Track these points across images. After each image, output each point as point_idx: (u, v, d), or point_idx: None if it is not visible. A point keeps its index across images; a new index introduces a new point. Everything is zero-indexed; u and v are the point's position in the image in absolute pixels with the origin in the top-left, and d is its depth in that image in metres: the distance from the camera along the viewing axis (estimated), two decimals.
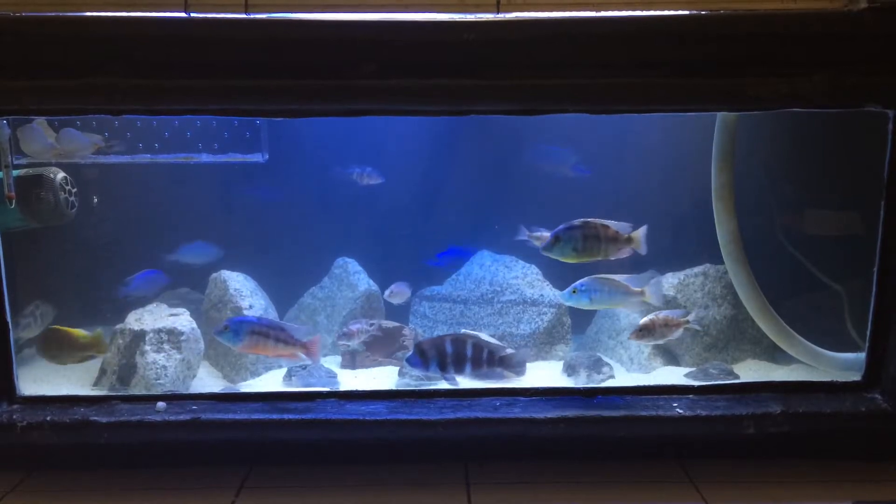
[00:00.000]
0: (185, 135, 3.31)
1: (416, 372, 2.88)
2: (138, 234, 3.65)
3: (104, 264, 3.64)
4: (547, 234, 2.79)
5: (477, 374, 2.65)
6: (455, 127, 3.58)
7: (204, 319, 3.33)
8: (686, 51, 2.35)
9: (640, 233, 2.65)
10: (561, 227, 2.66)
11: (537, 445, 2.58)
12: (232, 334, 2.64)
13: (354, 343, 3.27)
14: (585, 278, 2.77)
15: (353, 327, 3.25)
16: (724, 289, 3.27)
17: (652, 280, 2.78)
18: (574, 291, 2.76)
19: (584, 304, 2.80)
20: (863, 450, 2.62)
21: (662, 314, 2.87)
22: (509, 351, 2.68)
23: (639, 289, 2.76)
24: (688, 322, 2.88)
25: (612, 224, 2.64)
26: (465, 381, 2.69)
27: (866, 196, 2.62)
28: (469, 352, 2.62)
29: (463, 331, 3.37)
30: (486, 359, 2.62)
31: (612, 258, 2.68)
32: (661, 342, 3.00)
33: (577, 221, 2.64)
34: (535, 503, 2.40)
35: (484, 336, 3.24)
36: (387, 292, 3.53)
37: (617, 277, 2.77)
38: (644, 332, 2.85)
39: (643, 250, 2.68)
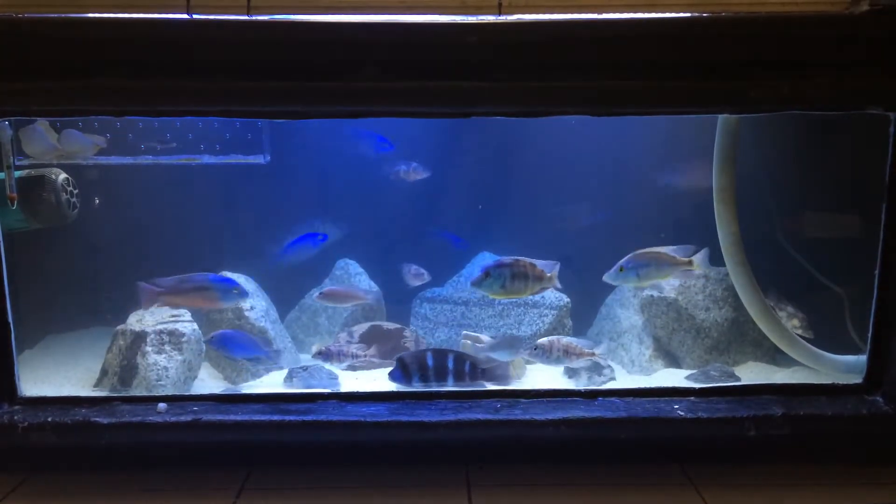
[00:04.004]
0: (187, 136, 3.31)
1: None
2: (139, 234, 3.66)
3: (105, 265, 3.65)
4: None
5: (460, 387, 2.68)
6: (456, 127, 3.58)
7: (205, 321, 3.33)
8: (687, 53, 2.35)
9: (555, 271, 2.76)
10: (491, 263, 2.74)
11: (538, 447, 2.58)
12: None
13: (333, 363, 3.16)
14: (629, 255, 2.75)
15: (333, 348, 3.15)
16: (725, 291, 3.27)
17: (700, 251, 2.77)
18: (621, 269, 2.75)
19: (631, 282, 2.79)
20: (864, 453, 2.61)
21: (566, 340, 2.90)
22: (490, 363, 2.72)
23: (686, 258, 2.75)
24: (593, 354, 2.89)
25: (538, 263, 2.74)
26: None
27: (868, 199, 2.62)
28: (451, 364, 2.65)
29: (464, 332, 3.37)
30: (469, 371, 2.64)
31: (532, 296, 2.82)
32: (553, 366, 3.01)
33: (507, 259, 2.73)
34: None
35: (485, 337, 3.25)
36: (407, 274, 3.51)
37: (661, 249, 2.77)
38: (539, 350, 2.87)
39: (557, 286, 2.81)
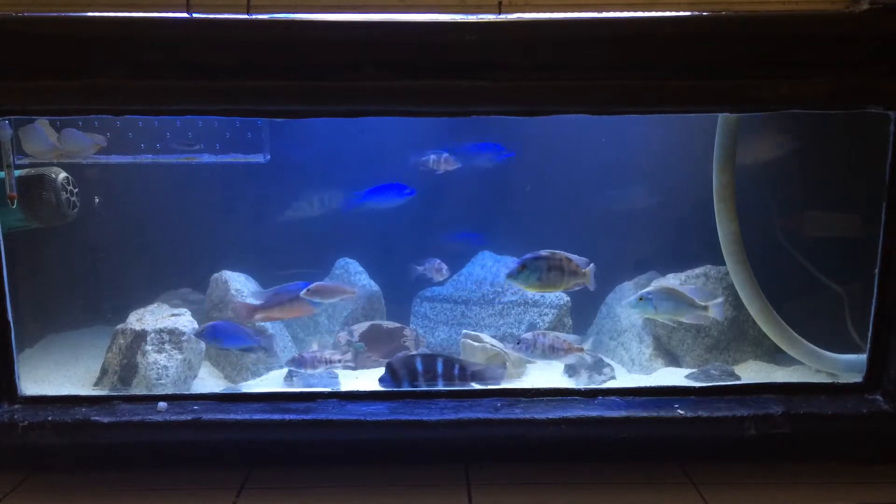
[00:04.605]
0: (186, 135, 3.31)
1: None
2: (139, 232, 3.66)
3: (105, 264, 3.65)
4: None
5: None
6: (456, 127, 3.58)
7: (205, 320, 3.32)
8: (687, 52, 2.35)
9: (591, 270, 2.74)
10: (528, 255, 2.72)
11: (539, 446, 2.58)
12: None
13: (307, 370, 3.09)
14: (652, 287, 2.84)
15: (306, 355, 3.09)
16: (726, 290, 3.26)
17: (716, 300, 2.84)
18: (641, 299, 2.80)
19: (648, 312, 2.86)
20: (864, 451, 2.61)
21: (552, 335, 2.89)
22: (479, 366, 2.73)
23: (704, 303, 2.79)
24: (581, 349, 2.88)
25: (574, 258, 2.73)
26: None
27: (867, 197, 2.62)
28: (440, 368, 2.65)
29: (464, 331, 3.37)
30: (458, 374, 2.65)
31: (567, 291, 2.80)
32: (536, 361, 3.01)
33: (543, 252, 2.71)
34: None
35: (486, 337, 3.25)
36: (426, 268, 3.51)
37: (682, 289, 2.83)
38: (523, 345, 2.86)
39: (592, 286, 2.78)
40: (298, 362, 3.08)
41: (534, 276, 2.72)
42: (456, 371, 2.70)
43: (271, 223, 3.75)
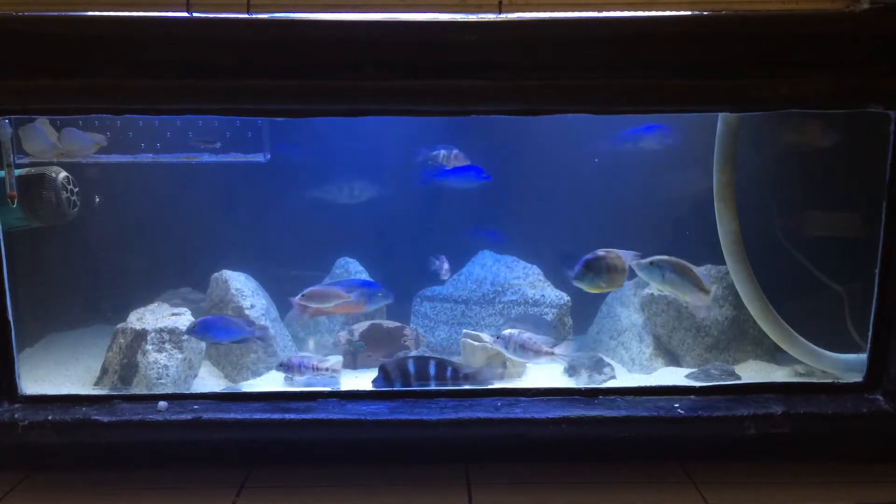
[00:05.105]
0: (186, 134, 3.31)
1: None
2: (139, 232, 3.66)
3: (105, 263, 3.65)
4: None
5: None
6: (456, 126, 3.58)
7: None
8: (688, 51, 2.35)
9: (631, 259, 2.72)
10: (589, 256, 2.67)
11: (539, 446, 2.58)
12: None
13: (294, 376, 3.08)
14: (666, 257, 2.75)
15: (294, 360, 3.09)
16: (726, 289, 3.26)
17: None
18: (651, 264, 2.74)
19: (654, 279, 2.79)
20: (864, 451, 2.61)
21: (527, 335, 2.90)
22: (472, 369, 2.74)
23: (707, 287, 2.76)
24: (551, 353, 2.89)
25: (623, 254, 2.70)
26: None
27: (868, 197, 2.62)
28: (433, 371, 2.66)
29: (465, 331, 3.37)
30: (451, 377, 2.66)
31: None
32: (511, 357, 3.01)
33: (600, 252, 2.67)
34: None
35: (486, 337, 3.25)
36: (440, 268, 3.52)
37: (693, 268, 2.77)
38: (500, 340, 2.91)
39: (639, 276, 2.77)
40: (286, 367, 3.08)
41: (598, 277, 2.68)
42: (448, 373, 2.72)
43: (271, 223, 3.75)
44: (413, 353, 3.32)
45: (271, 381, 3.22)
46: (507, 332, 2.91)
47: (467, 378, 2.74)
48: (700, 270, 2.77)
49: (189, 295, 3.59)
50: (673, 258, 2.76)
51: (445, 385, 2.74)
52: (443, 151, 3.50)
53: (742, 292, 2.97)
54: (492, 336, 3.06)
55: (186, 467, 2.59)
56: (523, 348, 2.87)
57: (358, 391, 2.69)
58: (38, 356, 3.37)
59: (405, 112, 2.48)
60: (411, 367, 2.73)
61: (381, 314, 3.64)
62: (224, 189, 3.73)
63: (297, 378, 3.07)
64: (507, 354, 2.95)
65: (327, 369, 3.06)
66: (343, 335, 3.45)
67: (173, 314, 3.15)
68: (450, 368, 2.73)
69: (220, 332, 3.01)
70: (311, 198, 3.71)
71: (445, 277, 3.57)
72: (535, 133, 3.50)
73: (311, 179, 3.73)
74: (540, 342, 2.88)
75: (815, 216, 3.32)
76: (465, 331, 3.37)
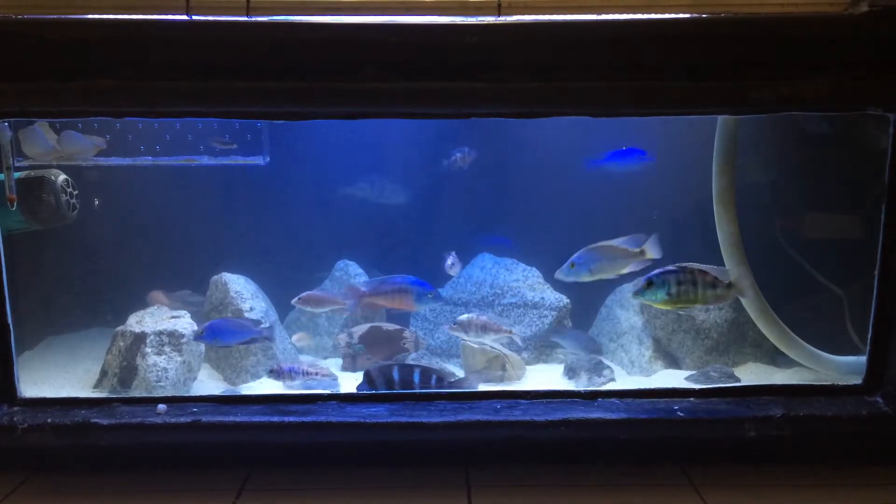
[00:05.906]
0: (186, 137, 3.31)
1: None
2: (139, 235, 3.66)
3: (105, 266, 3.65)
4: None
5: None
6: (457, 128, 3.58)
7: (204, 322, 3.32)
8: (687, 54, 2.35)
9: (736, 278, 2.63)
10: (656, 271, 2.59)
11: (538, 448, 2.58)
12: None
13: (284, 382, 3.07)
14: (580, 251, 2.70)
15: (284, 366, 3.07)
16: None
17: (650, 238, 2.72)
18: (572, 266, 2.70)
19: (585, 277, 2.73)
20: (864, 453, 2.61)
21: (485, 317, 3.04)
22: (457, 378, 2.75)
23: (637, 249, 2.71)
24: (509, 332, 3.01)
25: (709, 269, 2.58)
26: None
27: (867, 199, 2.62)
28: (417, 378, 2.67)
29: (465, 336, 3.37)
30: (435, 385, 2.67)
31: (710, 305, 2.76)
32: (477, 340, 3.11)
33: (672, 267, 2.58)
34: None
35: (486, 339, 3.25)
36: (451, 266, 3.54)
37: (612, 242, 2.72)
38: (458, 327, 3.04)
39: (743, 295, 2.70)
40: (277, 374, 3.07)
41: (662, 290, 2.57)
42: (433, 382, 2.72)
43: (271, 225, 3.75)
44: (399, 359, 3.33)
45: (270, 384, 3.22)
46: (464, 317, 3.00)
47: (451, 386, 2.74)
48: (620, 240, 2.73)
49: (188, 297, 3.59)
50: (589, 246, 2.71)
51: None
52: (458, 153, 3.56)
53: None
54: (448, 325, 3.15)
55: (185, 470, 2.59)
56: (484, 329, 2.99)
57: (357, 394, 2.69)
58: (38, 359, 3.37)
59: (405, 115, 2.48)
60: (395, 375, 2.74)
61: (381, 317, 3.64)
62: (224, 191, 3.73)
63: (290, 383, 3.06)
64: (467, 338, 3.05)
65: (317, 374, 3.06)
66: (343, 338, 3.45)
67: (172, 317, 3.15)
68: (434, 377, 2.73)
69: (229, 334, 3.01)
70: (323, 198, 3.75)
71: (453, 273, 3.59)
72: (544, 134, 3.51)
73: (312, 181, 3.73)
74: (499, 322, 3.00)
75: (815, 217, 3.32)
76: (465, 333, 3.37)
